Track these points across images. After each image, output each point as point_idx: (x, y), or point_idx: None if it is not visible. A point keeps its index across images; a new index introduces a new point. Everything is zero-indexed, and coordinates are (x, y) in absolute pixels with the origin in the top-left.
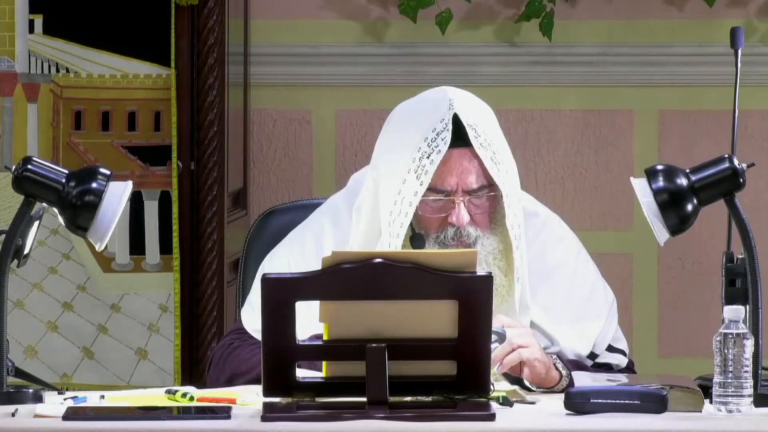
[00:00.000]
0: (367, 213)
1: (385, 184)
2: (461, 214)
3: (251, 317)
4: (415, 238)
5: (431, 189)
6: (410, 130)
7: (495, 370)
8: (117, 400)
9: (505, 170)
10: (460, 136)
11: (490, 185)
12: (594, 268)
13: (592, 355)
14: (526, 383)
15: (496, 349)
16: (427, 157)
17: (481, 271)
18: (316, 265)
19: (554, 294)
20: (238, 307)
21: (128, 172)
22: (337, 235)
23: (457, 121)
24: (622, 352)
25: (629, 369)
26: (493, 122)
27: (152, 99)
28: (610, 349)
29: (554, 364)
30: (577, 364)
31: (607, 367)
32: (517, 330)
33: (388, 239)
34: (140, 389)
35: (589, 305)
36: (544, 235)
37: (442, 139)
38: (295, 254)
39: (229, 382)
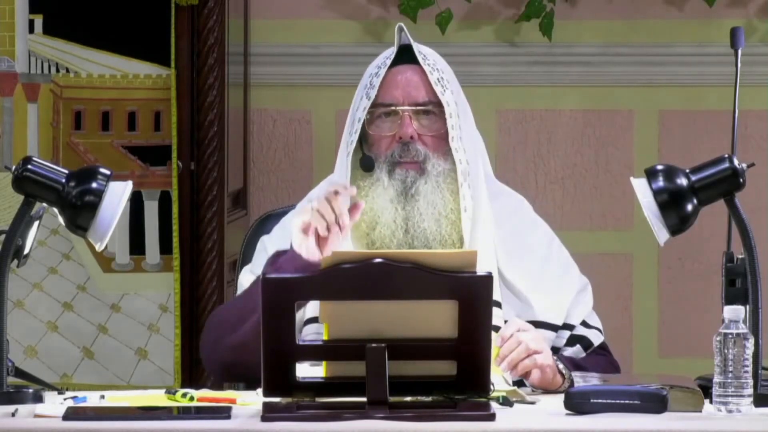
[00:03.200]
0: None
1: (346, 126)
2: (406, 125)
3: (249, 278)
4: (364, 160)
5: (379, 104)
6: (366, 71)
7: (508, 374)
8: (117, 400)
9: (454, 102)
10: (409, 60)
11: (438, 104)
12: (567, 254)
13: (569, 326)
14: (525, 383)
15: (512, 353)
16: (376, 75)
17: (481, 271)
18: None
19: (529, 268)
20: None
21: (128, 172)
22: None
23: (409, 50)
24: (599, 330)
25: (603, 349)
26: (446, 65)
27: (152, 99)
28: (586, 325)
29: (557, 367)
30: (574, 363)
31: (584, 341)
32: (530, 334)
33: (344, 160)
34: (140, 389)
35: (562, 279)
36: (518, 216)
37: (388, 57)
38: (284, 239)
39: (218, 341)
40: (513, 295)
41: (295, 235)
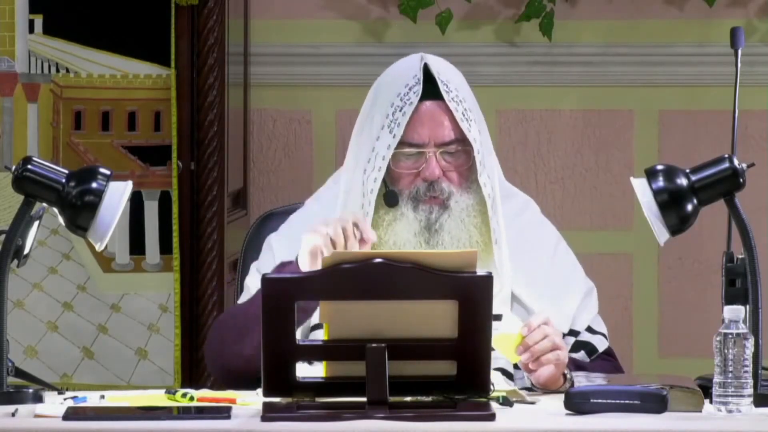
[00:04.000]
0: (345, 180)
1: (361, 145)
2: (432, 166)
3: (255, 278)
4: (388, 195)
5: (404, 142)
6: (384, 91)
7: (525, 377)
8: (117, 400)
9: (477, 130)
10: (432, 92)
11: (462, 140)
12: (573, 257)
13: (574, 333)
14: (528, 379)
15: (537, 345)
16: (400, 110)
17: (481, 271)
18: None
19: (535, 271)
20: None
21: (128, 172)
22: (322, 213)
23: (430, 78)
24: (604, 335)
25: (609, 354)
26: (466, 86)
27: (152, 99)
28: (591, 331)
29: None
30: (576, 364)
31: (588, 347)
32: (553, 329)
33: (362, 199)
34: (140, 389)
35: (567, 283)
36: (525, 216)
37: (414, 93)
38: (290, 239)
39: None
40: (518, 300)
41: (302, 254)
